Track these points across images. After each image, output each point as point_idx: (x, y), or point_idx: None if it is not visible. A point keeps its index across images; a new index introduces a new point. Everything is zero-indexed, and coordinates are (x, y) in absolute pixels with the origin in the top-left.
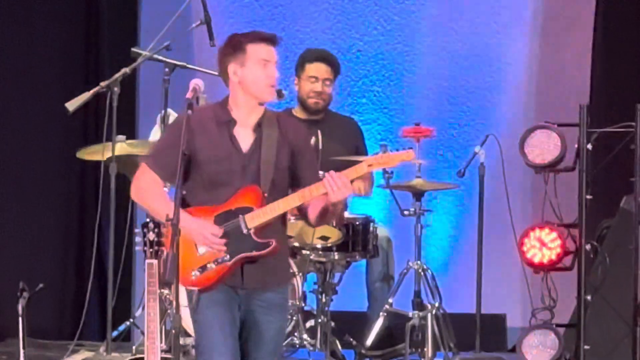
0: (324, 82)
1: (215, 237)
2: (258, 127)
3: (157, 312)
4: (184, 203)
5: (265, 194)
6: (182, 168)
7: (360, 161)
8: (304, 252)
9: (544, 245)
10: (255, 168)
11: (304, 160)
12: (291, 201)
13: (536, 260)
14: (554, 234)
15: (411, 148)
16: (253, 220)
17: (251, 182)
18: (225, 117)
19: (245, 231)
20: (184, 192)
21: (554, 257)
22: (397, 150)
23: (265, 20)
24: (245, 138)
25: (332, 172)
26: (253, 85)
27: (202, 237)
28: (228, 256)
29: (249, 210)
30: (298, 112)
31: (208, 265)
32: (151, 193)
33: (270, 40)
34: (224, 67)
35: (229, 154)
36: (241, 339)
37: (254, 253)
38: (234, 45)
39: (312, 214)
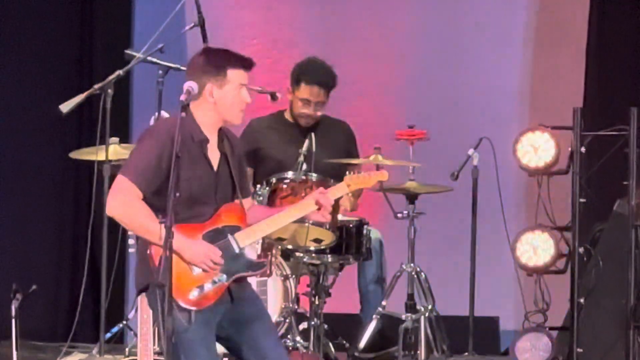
0: (316, 105)
1: (217, 257)
2: (221, 144)
3: (150, 314)
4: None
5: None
6: (175, 172)
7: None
8: (297, 254)
9: (537, 248)
10: (227, 185)
11: (242, 171)
12: (279, 221)
13: (529, 263)
14: (547, 237)
15: (383, 169)
16: (244, 240)
17: (227, 199)
18: (199, 136)
19: (237, 250)
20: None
21: (547, 260)
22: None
23: (259, 23)
24: (213, 155)
25: (320, 193)
26: (227, 109)
27: (204, 258)
28: (225, 276)
29: (237, 228)
30: (289, 116)
31: (205, 286)
32: (142, 212)
33: (249, 66)
34: (201, 83)
35: (205, 172)
36: (239, 345)
37: (250, 273)
38: (216, 67)
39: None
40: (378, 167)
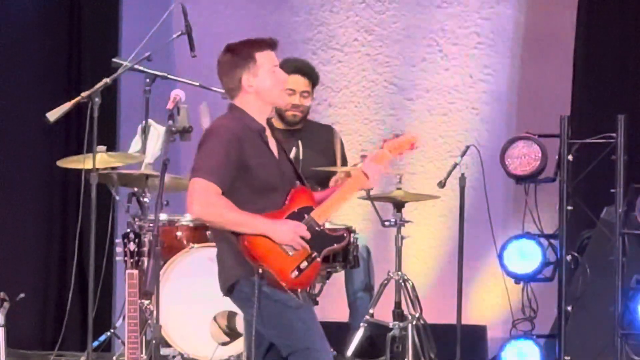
0: (302, 94)
1: (306, 232)
2: (273, 132)
3: (137, 322)
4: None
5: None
6: (163, 178)
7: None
8: None
9: (525, 256)
10: (289, 170)
11: None
12: (343, 196)
13: (517, 270)
14: (535, 245)
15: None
16: (320, 217)
17: (292, 184)
18: (256, 125)
19: (318, 228)
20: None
21: (534, 267)
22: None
23: (247, 30)
24: (272, 144)
25: (370, 164)
26: (270, 92)
27: (295, 236)
28: (316, 253)
29: (310, 209)
30: (276, 122)
31: (302, 265)
32: (228, 206)
33: (275, 45)
34: (236, 79)
35: (270, 160)
36: None
37: (336, 246)
38: (243, 57)
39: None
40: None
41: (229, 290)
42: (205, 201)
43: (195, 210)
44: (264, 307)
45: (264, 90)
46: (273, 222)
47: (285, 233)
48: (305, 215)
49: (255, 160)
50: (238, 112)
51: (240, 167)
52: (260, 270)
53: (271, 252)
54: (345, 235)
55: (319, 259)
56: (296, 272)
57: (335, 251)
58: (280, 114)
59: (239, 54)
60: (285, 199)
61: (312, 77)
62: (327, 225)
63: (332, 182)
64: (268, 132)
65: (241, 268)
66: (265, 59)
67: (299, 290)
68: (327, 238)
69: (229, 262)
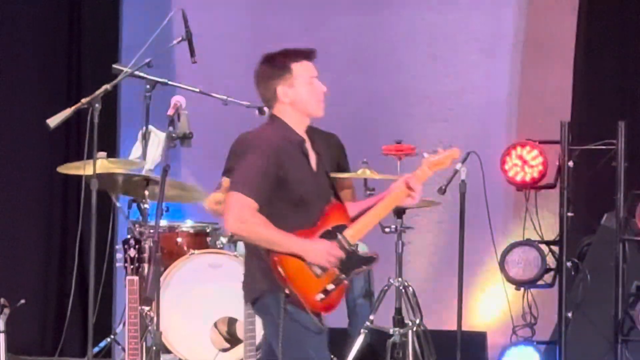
0: None
1: (339, 252)
2: (313, 144)
3: (137, 328)
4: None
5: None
6: (164, 184)
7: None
8: None
9: (525, 263)
10: (325, 184)
11: (334, 167)
12: (380, 213)
13: (517, 277)
14: (535, 251)
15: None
16: (353, 237)
17: (328, 199)
18: (296, 137)
19: (349, 248)
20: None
21: (535, 274)
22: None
23: (247, 37)
24: (311, 156)
25: (410, 178)
26: (306, 103)
27: (327, 256)
28: (344, 275)
29: (343, 227)
30: None
31: (328, 287)
32: (263, 223)
33: (312, 55)
34: (272, 90)
35: (308, 174)
36: None
37: (364, 268)
38: (279, 67)
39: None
40: (366, 182)
41: (252, 302)
42: (241, 217)
43: (230, 224)
44: (283, 326)
45: (300, 101)
46: (306, 241)
47: (319, 253)
48: (338, 234)
49: (293, 174)
50: (278, 122)
51: (278, 181)
52: (286, 291)
53: (299, 272)
54: (375, 256)
55: (346, 282)
56: (322, 295)
57: (362, 272)
58: None
59: (275, 64)
60: (319, 215)
61: None
62: None
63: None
64: (308, 144)
65: (268, 283)
66: (302, 70)
67: (323, 313)
68: (357, 259)
69: (257, 275)
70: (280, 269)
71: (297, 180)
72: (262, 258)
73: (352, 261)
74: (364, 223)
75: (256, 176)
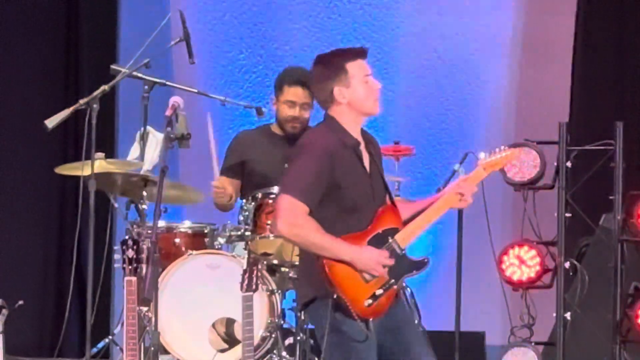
0: (302, 107)
1: (387, 259)
2: (367, 144)
3: (136, 329)
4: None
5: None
6: (162, 185)
7: None
8: (282, 269)
9: (523, 263)
10: (379, 186)
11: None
12: (431, 216)
13: (515, 277)
14: (533, 252)
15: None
16: (404, 240)
17: (382, 201)
18: (351, 140)
19: (400, 252)
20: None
21: (533, 274)
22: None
23: (245, 37)
24: (365, 158)
25: (462, 184)
26: (362, 102)
27: (376, 265)
28: (393, 280)
29: (395, 230)
30: (276, 129)
31: (377, 292)
32: (314, 228)
33: (364, 53)
34: (328, 91)
35: (362, 177)
36: (392, 350)
37: (414, 273)
38: (334, 68)
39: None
40: None
41: (304, 305)
42: (291, 221)
43: (280, 227)
44: (329, 334)
45: (357, 100)
46: (356, 248)
47: (368, 261)
48: (389, 238)
49: (346, 179)
50: (334, 124)
51: (331, 185)
52: (334, 296)
53: (348, 278)
54: (427, 260)
55: (395, 287)
56: (370, 301)
57: (412, 276)
58: (280, 124)
59: (330, 65)
60: (371, 218)
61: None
62: None
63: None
64: (362, 146)
65: (318, 288)
66: (357, 69)
67: (371, 319)
68: (408, 263)
69: (310, 278)
70: (329, 273)
71: (350, 185)
72: (314, 262)
73: (402, 266)
74: (415, 226)
75: (309, 180)
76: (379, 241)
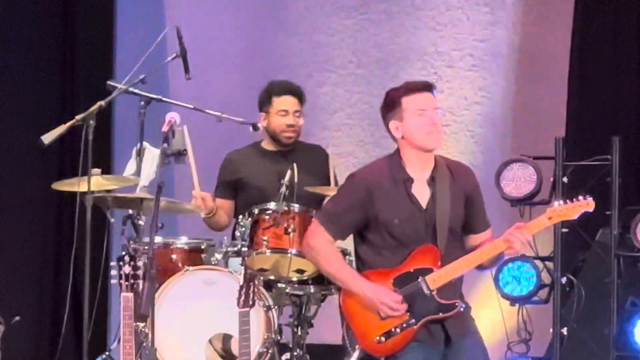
0: (294, 114)
1: (395, 303)
2: (432, 181)
3: (132, 345)
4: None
5: (442, 253)
6: (158, 201)
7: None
8: (279, 285)
9: (520, 278)
10: (432, 225)
11: (475, 208)
12: (472, 261)
13: (512, 293)
14: (530, 267)
15: (590, 197)
16: (435, 282)
17: (428, 241)
18: (401, 175)
19: (427, 293)
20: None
21: (529, 290)
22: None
23: (240, 53)
24: (422, 194)
25: (515, 231)
26: (414, 136)
27: (380, 305)
28: (414, 320)
29: (428, 271)
30: (267, 145)
31: (393, 330)
32: (326, 255)
33: (424, 88)
34: (386, 125)
35: (410, 214)
36: None
37: (440, 315)
38: (390, 103)
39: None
40: None
41: None
42: (310, 243)
43: (304, 247)
44: None
45: (409, 134)
46: (366, 284)
47: (374, 300)
48: (419, 278)
49: (389, 213)
50: (393, 158)
51: (369, 218)
52: (346, 327)
53: (363, 311)
54: (457, 305)
55: (415, 327)
56: (382, 338)
57: (438, 320)
58: (273, 136)
59: (386, 100)
60: (406, 256)
61: (301, 96)
62: None
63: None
64: (420, 182)
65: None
66: (411, 103)
67: (383, 358)
68: (434, 305)
69: None
70: (341, 304)
71: (391, 223)
72: None
73: (427, 307)
74: (451, 269)
75: (338, 210)
76: (406, 280)
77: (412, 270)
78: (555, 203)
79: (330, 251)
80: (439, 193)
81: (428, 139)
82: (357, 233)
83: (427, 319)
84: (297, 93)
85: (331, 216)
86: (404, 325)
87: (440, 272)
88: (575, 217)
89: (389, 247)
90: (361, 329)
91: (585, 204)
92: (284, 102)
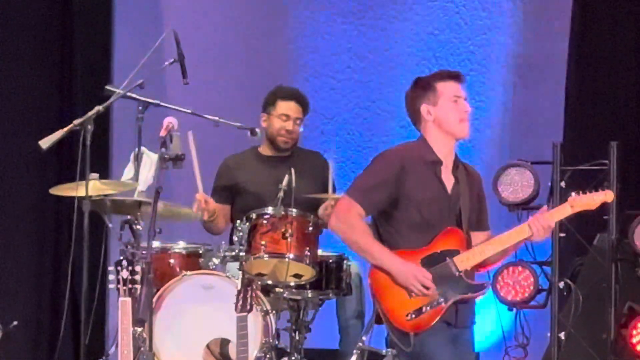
0: (295, 121)
1: (428, 280)
2: (455, 169)
3: (130, 350)
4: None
5: (467, 236)
6: (156, 206)
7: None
8: (277, 289)
9: (518, 283)
10: (457, 210)
11: (481, 207)
12: (497, 245)
13: (510, 297)
14: (528, 272)
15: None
16: (463, 263)
17: (453, 224)
18: (431, 157)
19: (456, 274)
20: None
21: (527, 294)
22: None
23: (240, 57)
24: (447, 179)
25: (538, 216)
26: (448, 122)
27: (413, 280)
28: (443, 299)
29: (455, 252)
30: (265, 150)
31: (423, 308)
32: (361, 229)
33: (458, 77)
34: (416, 108)
35: (438, 196)
36: None
37: (469, 295)
38: (424, 86)
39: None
40: None
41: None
42: (342, 217)
43: (332, 222)
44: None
45: (443, 119)
46: (398, 260)
47: (404, 276)
48: (447, 258)
49: (418, 193)
50: (420, 141)
51: (399, 196)
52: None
53: (391, 288)
54: (486, 285)
55: (444, 305)
56: (413, 315)
57: (466, 300)
58: (271, 139)
59: (421, 84)
60: (433, 237)
61: (305, 105)
62: (320, 253)
63: (321, 210)
64: (446, 167)
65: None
66: (447, 89)
67: (412, 333)
68: (463, 285)
69: None
70: (372, 283)
71: (420, 201)
72: None
73: (456, 286)
74: (478, 251)
75: (371, 184)
76: (434, 260)
77: (439, 252)
78: (572, 193)
79: (363, 225)
80: (461, 182)
81: (460, 126)
82: (382, 212)
83: (456, 298)
84: (303, 102)
85: (365, 191)
86: (434, 303)
87: (468, 253)
88: (595, 207)
89: (416, 227)
90: (390, 305)
91: (604, 195)
92: (288, 107)
